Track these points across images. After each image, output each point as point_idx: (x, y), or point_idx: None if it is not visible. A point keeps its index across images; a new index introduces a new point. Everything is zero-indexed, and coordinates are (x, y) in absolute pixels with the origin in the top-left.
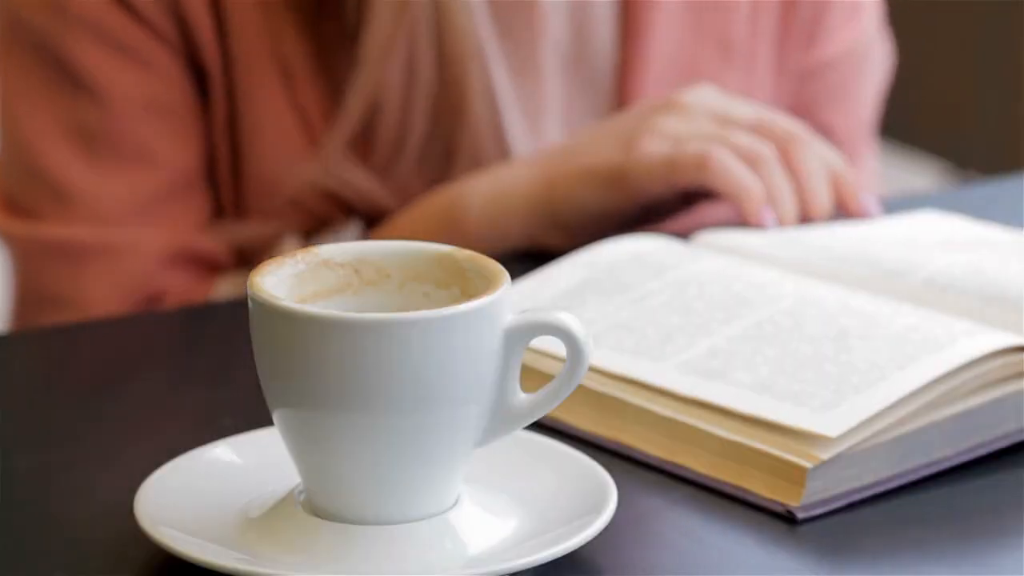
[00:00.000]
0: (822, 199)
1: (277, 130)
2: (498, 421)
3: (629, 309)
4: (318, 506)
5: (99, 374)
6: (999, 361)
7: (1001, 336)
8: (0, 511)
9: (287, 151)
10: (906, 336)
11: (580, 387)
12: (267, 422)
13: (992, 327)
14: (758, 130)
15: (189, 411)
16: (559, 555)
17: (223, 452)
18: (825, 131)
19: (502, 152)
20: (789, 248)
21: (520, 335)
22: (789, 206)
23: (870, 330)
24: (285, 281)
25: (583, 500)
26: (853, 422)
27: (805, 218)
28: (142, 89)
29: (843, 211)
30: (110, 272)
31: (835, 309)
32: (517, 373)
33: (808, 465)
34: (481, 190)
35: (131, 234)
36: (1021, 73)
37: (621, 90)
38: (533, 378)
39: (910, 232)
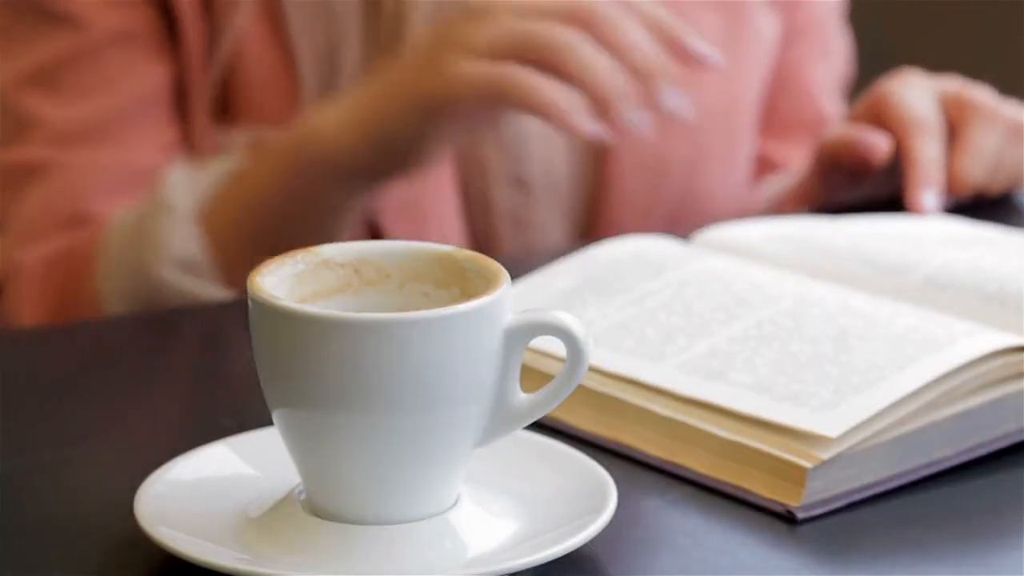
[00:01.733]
0: (651, 60)
1: (258, 56)
2: (498, 421)
3: (629, 309)
4: (318, 506)
5: (99, 373)
6: (999, 361)
7: (1001, 336)
8: (0, 511)
9: (270, 75)
10: (906, 336)
11: (580, 387)
12: (267, 422)
13: (992, 327)
14: (567, 17)
15: (188, 411)
16: (559, 555)
17: (223, 452)
18: (808, 90)
19: None
20: (788, 247)
21: (520, 335)
22: (608, 83)
23: (870, 330)
24: (285, 281)
25: (583, 500)
26: (853, 422)
27: (640, 81)
28: (109, 17)
29: (675, 57)
30: (44, 191)
31: (835, 309)
32: (517, 373)
33: (808, 465)
34: (330, 123)
35: (81, 154)
36: (1021, 73)
37: None
38: (533, 378)
39: (910, 230)
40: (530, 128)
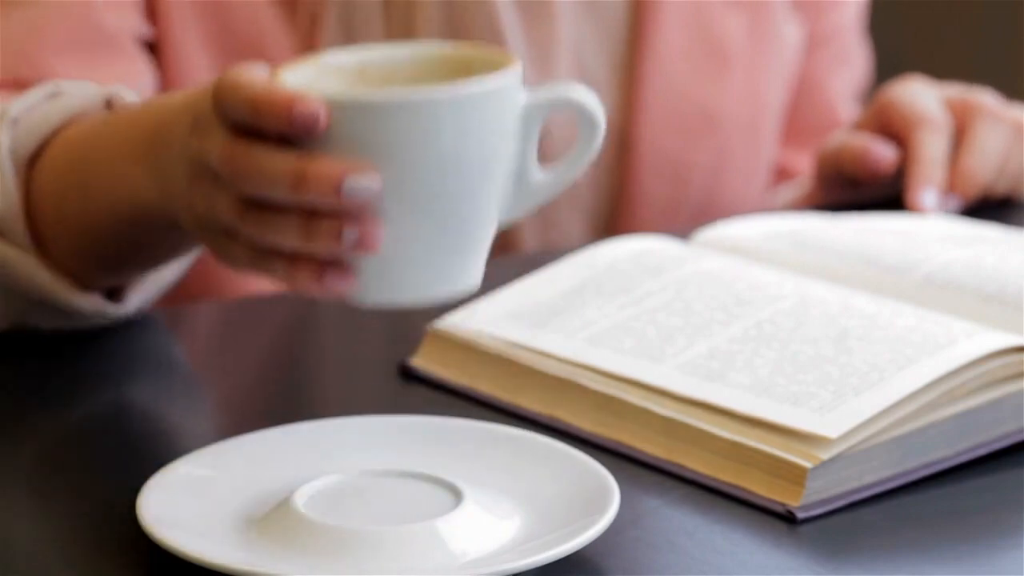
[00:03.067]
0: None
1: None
2: (521, 194)
3: (629, 309)
4: (373, 291)
5: (99, 374)
6: (999, 361)
7: (1001, 336)
8: (1, 511)
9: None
10: (906, 337)
11: (580, 387)
12: (267, 422)
13: (992, 327)
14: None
15: (189, 412)
16: (561, 556)
17: (223, 452)
18: (827, 99)
19: None
20: (788, 246)
21: (538, 109)
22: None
23: (870, 331)
24: (300, 83)
25: (585, 501)
26: (853, 423)
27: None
28: None
29: None
30: None
31: (835, 310)
32: (535, 148)
33: (808, 465)
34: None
35: (29, 8)
36: (1021, 73)
37: (635, 34)
38: (534, 378)
39: (910, 227)
40: (547, 123)
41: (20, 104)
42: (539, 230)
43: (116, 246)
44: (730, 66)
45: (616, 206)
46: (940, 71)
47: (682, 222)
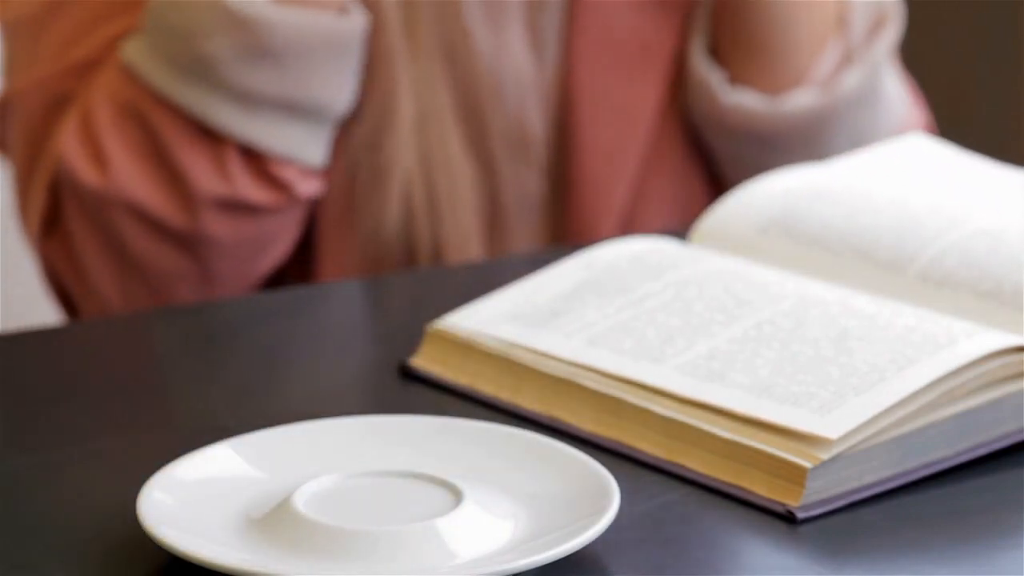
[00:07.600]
0: None
1: None
2: None
3: (629, 310)
4: None
5: (99, 374)
6: (999, 361)
7: (1001, 336)
8: (0, 511)
9: None
10: (906, 337)
11: (580, 387)
12: (267, 422)
13: (991, 326)
14: None
15: (189, 411)
16: (561, 556)
17: (225, 453)
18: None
19: (467, 48)
20: (780, 241)
21: None
22: None
23: (870, 331)
24: None
25: (585, 501)
26: (853, 424)
27: None
28: None
29: None
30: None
31: (835, 310)
32: None
33: (808, 465)
34: None
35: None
36: (1021, 73)
37: None
38: (535, 378)
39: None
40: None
41: None
42: (486, 186)
43: None
44: (665, 6)
45: (566, 155)
46: (940, 71)
47: (631, 170)
